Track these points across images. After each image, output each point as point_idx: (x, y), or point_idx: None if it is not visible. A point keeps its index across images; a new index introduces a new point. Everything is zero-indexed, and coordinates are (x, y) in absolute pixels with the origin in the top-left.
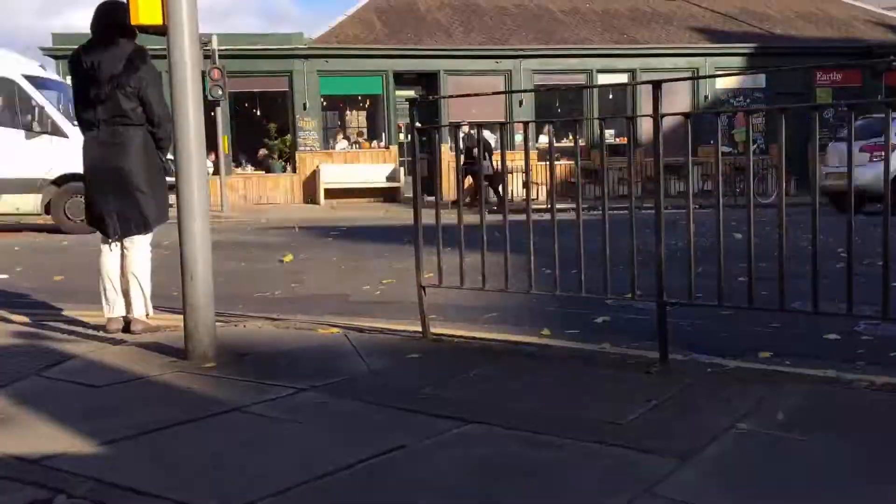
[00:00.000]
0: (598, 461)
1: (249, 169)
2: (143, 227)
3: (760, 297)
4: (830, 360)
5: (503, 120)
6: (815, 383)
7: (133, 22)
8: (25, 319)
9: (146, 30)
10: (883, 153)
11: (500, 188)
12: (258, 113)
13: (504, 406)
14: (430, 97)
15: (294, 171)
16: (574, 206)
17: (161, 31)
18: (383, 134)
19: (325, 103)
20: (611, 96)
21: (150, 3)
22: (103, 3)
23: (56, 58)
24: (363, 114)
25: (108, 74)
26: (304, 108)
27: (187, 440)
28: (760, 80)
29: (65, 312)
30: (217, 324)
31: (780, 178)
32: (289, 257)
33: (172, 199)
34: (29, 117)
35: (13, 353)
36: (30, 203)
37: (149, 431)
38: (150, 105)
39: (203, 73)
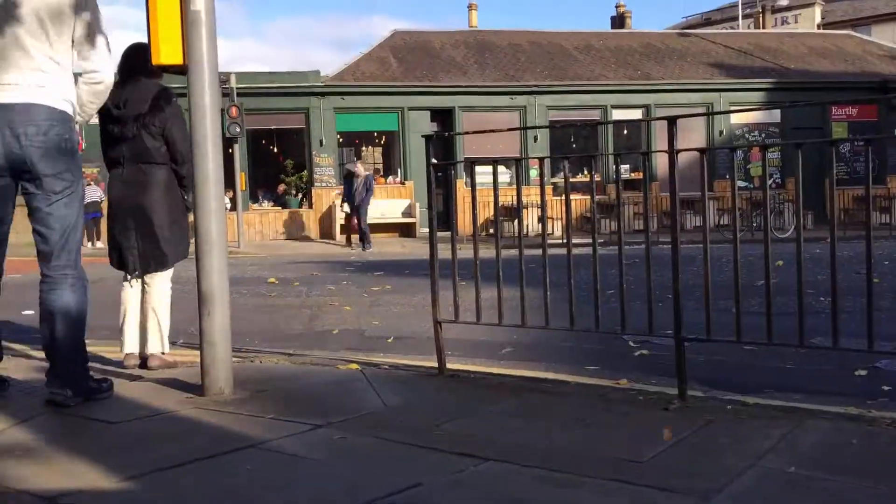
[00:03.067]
0: (618, 500)
1: (266, 205)
2: (163, 265)
3: (780, 332)
4: (852, 397)
5: (518, 155)
6: (838, 420)
7: (154, 62)
8: (41, 354)
9: (167, 69)
10: None
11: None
12: (275, 149)
13: (522, 443)
14: (447, 133)
15: (310, 206)
16: (590, 240)
17: (182, 70)
18: (399, 170)
19: (341, 140)
20: (625, 132)
21: (171, 43)
22: (131, 44)
23: None
24: (379, 150)
25: (134, 114)
26: (321, 145)
27: (205, 477)
28: (775, 114)
29: None
30: (234, 359)
31: (797, 213)
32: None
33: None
34: None
35: (32, 389)
36: None
37: (166, 468)
38: (175, 144)
39: (222, 110)
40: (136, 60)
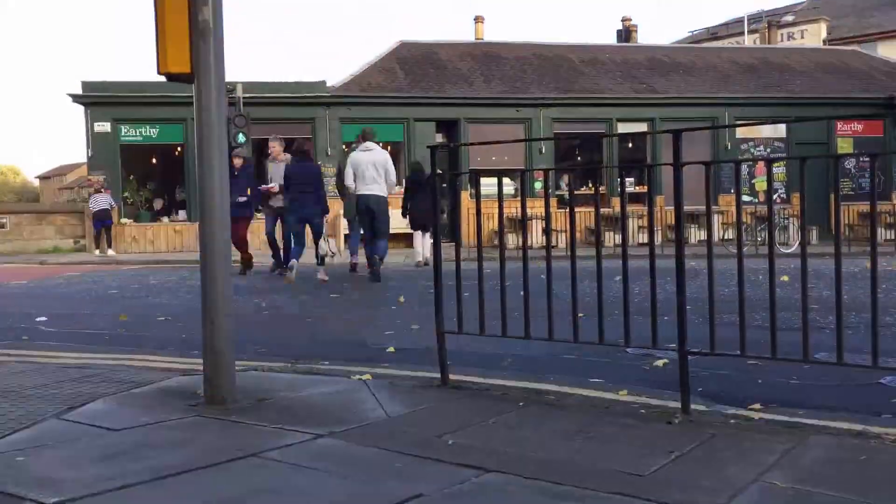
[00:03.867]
0: None
1: None
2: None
3: (784, 347)
4: (856, 413)
5: (523, 167)
6: (841, 436)
7: (161, 70)
8: (52, 362)
9: (175, 78)
10: None
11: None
12: None
13: (524, 455)
14: (452, 144)
15: None
16: (594, 253)
17: (189, 79)
18: (404, 180)
19: (346, 150)
20: (630, 145)
21: (178, 52)
22: (415, 162)
23: (85, 105)
24: None
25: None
26: (327, 155)
27: (204, 486)
28: (781, 129)
29: (88, 355)
30: (237, 368)
31: (802, 228)
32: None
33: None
34: None
35: (36, 395)
36: None
37: (166, 476)
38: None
39: (228, 119)
40: (419, 171)
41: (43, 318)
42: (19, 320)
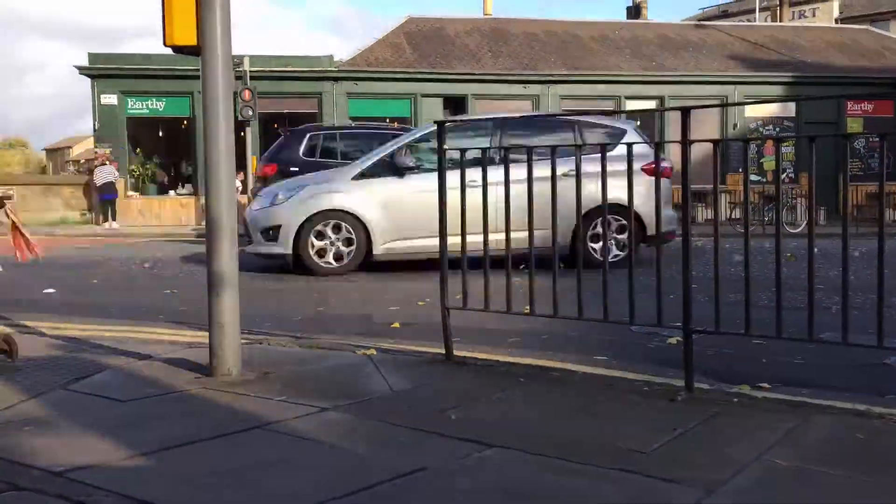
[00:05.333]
0: (621, 490)
1: None
2: None
3: (789, 326)
4: (860, 393)
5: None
6: (845, 416)
7: (167, 43)
8: (59, 333)
9: (181, 50)
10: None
11: None
12: (287, 134)
13: (527, 430)
14: (458, 119)
15: None
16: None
17: (195, 51)
18: None
19: (353, 125)
20: (639, 123)
21: (184, 24)
22: None
23: (91, 77)
24: None
25: None
26: None
27: (210, 457)
28: (790, 109)
29: (95, 327)
30: (242, 341)
31: (810, 208)
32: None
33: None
34: None
35: (43, 366)
36: None
37: (172, 447)
38: None
39: (234, 93)
40: None
41: (50, 290)
42: (27, 291)
